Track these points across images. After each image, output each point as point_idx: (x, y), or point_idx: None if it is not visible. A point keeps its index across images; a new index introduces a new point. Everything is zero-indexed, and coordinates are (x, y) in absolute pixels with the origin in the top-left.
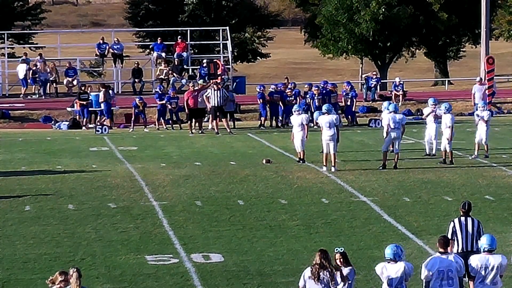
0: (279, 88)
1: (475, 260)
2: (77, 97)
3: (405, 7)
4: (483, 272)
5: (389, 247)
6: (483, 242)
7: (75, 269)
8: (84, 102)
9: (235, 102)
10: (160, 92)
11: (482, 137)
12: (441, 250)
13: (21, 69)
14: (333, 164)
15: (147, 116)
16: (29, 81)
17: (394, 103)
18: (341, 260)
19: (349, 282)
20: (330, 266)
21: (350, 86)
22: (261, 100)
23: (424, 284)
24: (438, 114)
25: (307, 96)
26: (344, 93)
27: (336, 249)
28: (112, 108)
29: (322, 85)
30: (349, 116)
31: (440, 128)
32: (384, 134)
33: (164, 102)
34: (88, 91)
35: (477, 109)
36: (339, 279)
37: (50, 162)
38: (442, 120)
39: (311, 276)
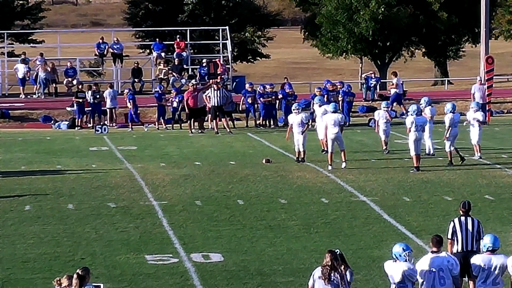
0: (270, 89)
1: (478, 260)
2: (74, 95)
3: (405, 6)
4: (485, 272)
5: (395, 246)
6: (487, 241)
7: (80, 269)
8: (80, 100)
9: (234, 102)
10: (160, 92)
11: (475, 137)
12: (433, 249)
13: (20, 69)
14: (344, 160)
15: (147, 116)
16: (28, 80)
17: (418, 104)
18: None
19: (348, 283)
20: (340, 268)
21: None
22: (260, 99)
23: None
24: (430, 115)
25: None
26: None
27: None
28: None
29: (325, 85)
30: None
31: (434, 127)
32: (410, 137)
33: (177, 100)
34: (85, 91)
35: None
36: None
37: (50, 162)
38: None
39: (321, 277)
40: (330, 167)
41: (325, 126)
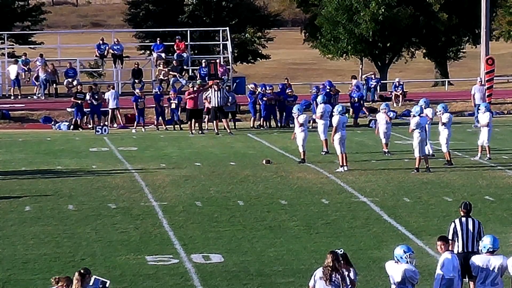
0: (270, 90)
1: (477, 261)
2: (73, 96)
3: (405, 7)
4: (484, 273)
5: (396, 248)
6: (486, 242)
7: (82, 269)
8: (79, 101)
9: (236, 103)
10: (159, 93)
11: (484, 139)
12: (450, 249)
13: (12, 70)
14: (345, 164)
15: (146, 117)
16: (30, 81)
17: (421, 105)
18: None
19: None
20: (341, 269)
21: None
22: (263, 98)
23: (442, 282)
24: (430, 115)
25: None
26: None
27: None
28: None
29: (324, 85)
30: None
31: (432, 128)
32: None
33: (176, 101)
34: (86, 91)
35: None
36: (348, 279)
37: (50, 163)
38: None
39: (322, 277)
40: (346, 168)
41: (335, 128)
